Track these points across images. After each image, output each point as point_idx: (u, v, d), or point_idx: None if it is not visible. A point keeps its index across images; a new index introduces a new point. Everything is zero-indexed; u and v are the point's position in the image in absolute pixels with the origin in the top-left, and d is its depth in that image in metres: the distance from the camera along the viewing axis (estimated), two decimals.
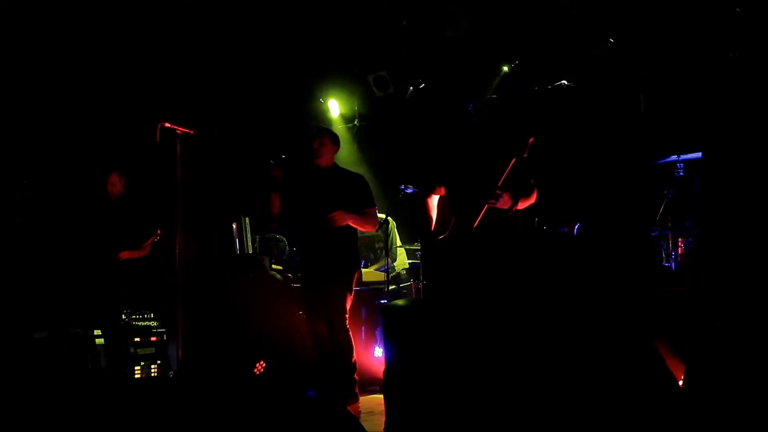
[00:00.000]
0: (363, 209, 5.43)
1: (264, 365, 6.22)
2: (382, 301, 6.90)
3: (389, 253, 7.03)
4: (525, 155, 4.33)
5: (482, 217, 4.30)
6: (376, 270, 7.09)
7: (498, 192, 4.26)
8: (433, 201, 4.75)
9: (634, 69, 6.99)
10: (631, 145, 6.75)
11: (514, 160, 4.30)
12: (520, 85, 7.81)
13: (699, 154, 6.09)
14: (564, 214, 6.41)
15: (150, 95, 7.55)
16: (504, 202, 4.31)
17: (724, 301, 4.11)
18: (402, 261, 7.55)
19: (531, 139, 4.29)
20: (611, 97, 7.15)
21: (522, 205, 4.46)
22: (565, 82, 7.54)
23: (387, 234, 7.20)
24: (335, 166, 5.53)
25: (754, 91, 5.51)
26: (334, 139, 5.57)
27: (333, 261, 5.36)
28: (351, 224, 5.34)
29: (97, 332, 6.07)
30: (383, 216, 7.02)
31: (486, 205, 4.29)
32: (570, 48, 7.31)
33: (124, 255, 5.77)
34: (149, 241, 5.76)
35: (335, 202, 5.34)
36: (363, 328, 6.81)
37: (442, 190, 4.72)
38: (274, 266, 7.32)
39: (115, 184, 5.86)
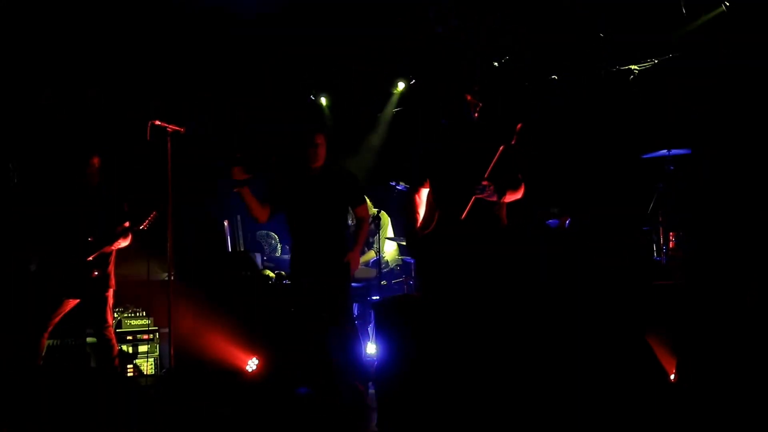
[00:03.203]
0: (354, 207, 5.45)
1: (256, 363, 6.22)
2: (374, 298, 6.91)
3: (377, 246, 7.02)
4: (513, 142, 4.27)
5: (469, 210, 4.25)
6: (363, 264, 7.05)
7: (484, 183, 4.20)
8: (422, 196, 4.72)
9: (624, 63, 7.01)
10: (621, 139, 6.76)
11: (501, 148, 4.23)
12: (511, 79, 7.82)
13: (689, 150, 6.12)
14: (555, 207, 6.42)
15: (139, 91, 7.53)
16: (489, 194, 4.25)
17: (715, 295, 4.13)
18: (394, 257, 7.55)
19: (518, 126, 4.24)
20: (601, 92, 7.16)
21: (509, 198, 4.41)
22: (556, 77, 7.54)
23: (378, 228, 7.20)
24: (326, 164, 5.50)
25: (747, 90, 5.52)
26: (327, 138, 5.53)
27: (333, 260, 5.30)
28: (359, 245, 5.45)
29: (88, 331, 6.06)
30: (375, 211, 7.01)
31: (473, 197, 4.23)
32: (561, 43, 7.32)
33: (118, 244, 5.72)
34: (146, 222, 5.69)
35: (328, 201, 5.33)
36: (355, 324, 6.82)
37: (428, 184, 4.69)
38: (265, 263, 7.32)
39: (94, 172, 5.73)
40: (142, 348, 6.49)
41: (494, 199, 4.25)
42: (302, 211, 5.36)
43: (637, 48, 6.88)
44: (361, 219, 5.50)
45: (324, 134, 5.48)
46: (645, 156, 6.29)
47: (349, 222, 6.00)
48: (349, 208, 5.57)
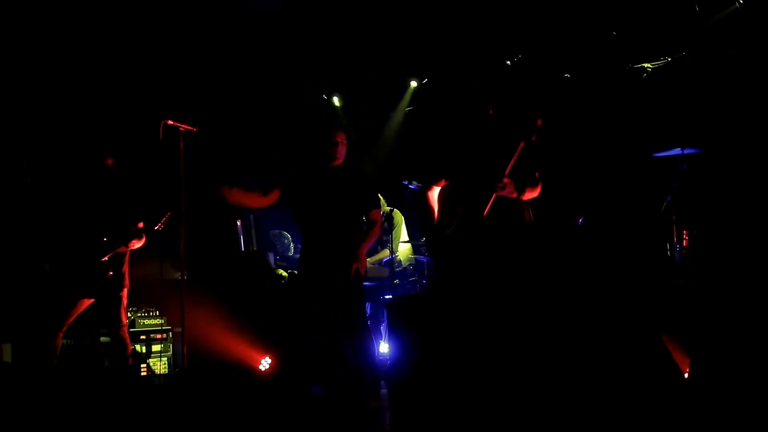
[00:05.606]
0: (367, 210, 5.38)
1: (270, 362, 6.23)
2: (387, 297, 6.91)
3: (390, 245, 7.00)
4: (533, 138, 4.28)
5: (491, 207, 4.26)
6: (374, 263, 7.03)
7: (505, 180, 4.22)
8: (434, 194, 4.72)
9: (636, 61, 6.98)
10: (634, 138, 6.74)
11: (522, 144, 4.24)
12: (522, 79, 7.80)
13: (702, 149, 6.09)
14: (568, 206, 6.40)
15: (151, 90, 7.54)
16: (510, 191, 4.27)
17: (728, 294, 4.11)
18: (408, 256, 7.54)
19: (539, 121, 4.24)
20: (614, 90, 7.13)
21: (528, 196, 4.42)
22: (568, 76, 7.52)
23: (392, 227, 7.18)
24: (345, 164, 5.43)
25: (751, 88, 5.48)
26: (348, 136, 5.46)
27: (345, 261, 5.25)
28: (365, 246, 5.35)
29: (102, 331, 6.10)
30: (387, 209, 7.00)
31: (495, 194, 4.25)
32: (573, 42, 7.30)
33: (133, 244, 5.74)
34: (161, 223, 5.70)
35: (344, 202, 5.28)
36: (368, 323, 6.82)
37: (442, 182, 4.68)
38: (278, 263, 7.33)
39: (109, 172, 5.77)
40: (156, 347, 6.52)
41: (514, 196, 4.27)
42: (317, 210, 5.32)
43: (649, 45, 6.86)
44: (373, 222, 5.44)
45: (345, 133, 5.40)
46: (658, 155, 6.26)
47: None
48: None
